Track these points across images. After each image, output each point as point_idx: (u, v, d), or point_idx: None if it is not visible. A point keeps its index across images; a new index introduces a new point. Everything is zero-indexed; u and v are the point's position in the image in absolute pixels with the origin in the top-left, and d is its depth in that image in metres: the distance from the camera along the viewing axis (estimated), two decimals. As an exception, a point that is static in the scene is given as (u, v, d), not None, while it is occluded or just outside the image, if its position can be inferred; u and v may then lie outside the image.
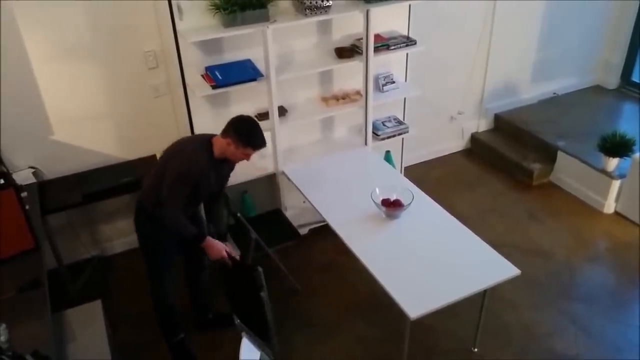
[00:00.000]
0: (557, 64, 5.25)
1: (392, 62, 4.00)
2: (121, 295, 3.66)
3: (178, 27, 3.16)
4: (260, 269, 2.60)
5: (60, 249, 3.56)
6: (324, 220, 3.21)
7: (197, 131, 3.50)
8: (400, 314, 2.56)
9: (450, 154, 5.19)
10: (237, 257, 2.91)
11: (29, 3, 3.09)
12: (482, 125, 5.23)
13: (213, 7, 3.17)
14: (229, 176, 2.96)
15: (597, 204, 4.36)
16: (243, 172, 3.71)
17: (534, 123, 4.98)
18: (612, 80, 5.55)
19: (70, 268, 3.71)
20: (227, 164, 2.84)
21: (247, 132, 2.66)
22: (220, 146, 2.68)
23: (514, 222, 4.27)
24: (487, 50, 4.77)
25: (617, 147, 4.13)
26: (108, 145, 3.67)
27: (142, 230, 2.89)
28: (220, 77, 3.31)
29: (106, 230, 3.94)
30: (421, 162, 5.01)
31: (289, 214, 3.90)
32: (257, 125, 2.72)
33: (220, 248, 2.81)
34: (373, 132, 3.99)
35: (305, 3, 3.27)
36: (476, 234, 3.00)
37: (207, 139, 2.73)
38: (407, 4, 3.74)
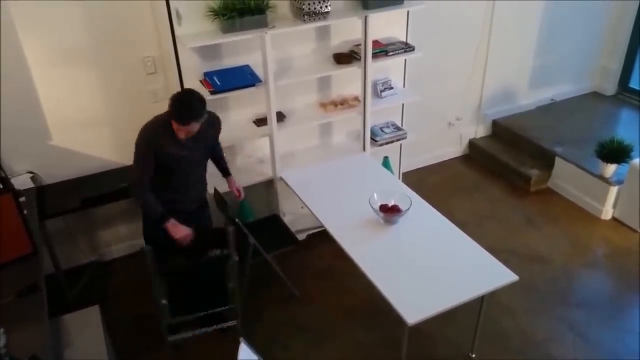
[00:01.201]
0: (554, 70, 5.27)
1: (390, 68, 4.02)
2: (119, 301, 3.65)
3: (177, 33, 3.17)
4: (231, 228, 2.81)
5: (58, 254, 3.56)
6: (322, 226, 3.21)
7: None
8: (398, 319, 2.55)
9: (448, 159, 5.20)
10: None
11: (27, 9, 3.09)
12: (480, 131, 5.24)
13: (212, 13, 3.18)
14: (212, 144, 3.05)
15: (595, 210, 4.36)
16: (241, 177, 3.73)
17: (532, 129, 5.00)
18: (610, 87, 5.57)
19: (68, 273, 3.71)
20: (208, 132, 2.92)
21: (174, 105, 2.67)
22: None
23: (511, 228, 4.28)
24: (485, 56, 4.79)
25: (615, 153, 4.14)
26: (106, 151, 3.67)
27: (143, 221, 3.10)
28: (218, 83, 3.32)
29: (104, 235, 3.94)
30: (419, 168, 5.02)
31: (287, 219, 3.90)
32: (187, 100, 2.67)
33: (183, 229, 2.89)
34: (371, 138, 4.00)
35: (303, 9, 3.28)
36: (474, 239, 3.00)
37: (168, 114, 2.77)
38: (405, 10, 3.75)
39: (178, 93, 2.73)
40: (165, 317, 2.97)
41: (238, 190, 3.34)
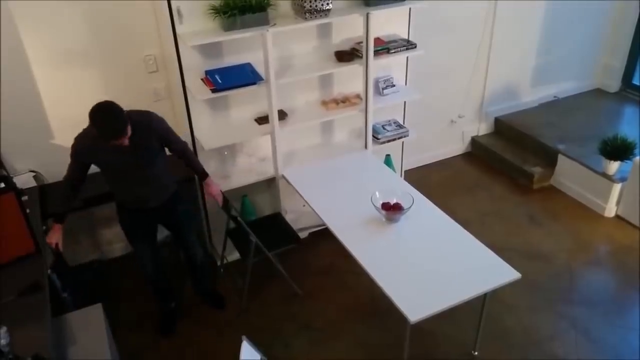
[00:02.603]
0: (557, 68, 5.26)
1: (392, 65, 4.01)
2: (121, 299, 3.66)
3: (178, 31, 3.17)
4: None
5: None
6: (324, 224, 3.20)
7: (197, 134, 3.51)
8: (400, 317, 2.55)
9: (451, 157, 5.19)
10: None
11: (29, 8, 3.10)
12: (482, 128, 5.23)
13: (213, 11, 3.17)
14: (156, 145, 2.90)
15: (598, 207, 4.35)
16: (243, 176, 3.73)
17: (535, 126, 4.98)
18: (613, 84, 5.55)
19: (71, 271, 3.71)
20: (145, 136, 2.80)
21: (97, 127, 2.59)
22: None
23: (514, 225, 4.27)
24: (488, 53, 4.78)
25: (618, 150, 4.13)
26: (109, 149, 3.67)
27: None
28: (220, 81, 3.32)
29: (106, 234, 3.95)
30: (421, 166, 5.01)
31: (289, 217, 3.90)
32: (106, 117, 2.57)
33: (51, 236, 2.93)
34: (373, 136, 4.00)
35: (305, 6, 3.27)
36: (476, 237, 3.00)
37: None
38: (407, 7, 3.75)
39: (94, 111, 2.58)
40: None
41: (216, 197, 3.27)
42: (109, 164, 2.82)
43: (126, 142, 2.66)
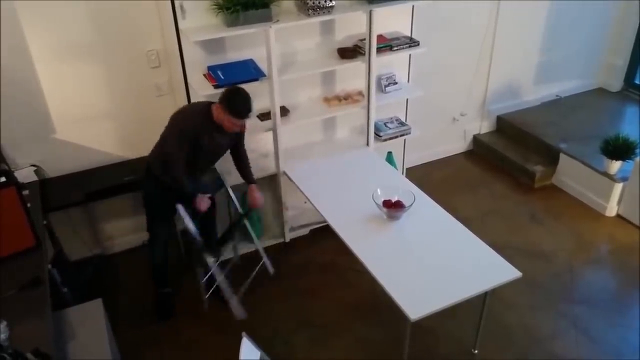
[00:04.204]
0: (560, 66, 5.25)
1: (394, 63, 4.00)
2: (122, 294, 3.67)
3: (180, 27, 3.17)
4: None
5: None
6: (325, 221, 3.20)
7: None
8: (400, 315, 2.55)
9: (452, 155, 5.19)
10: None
11: (31, 4, 3.09)
12: (484, 127, 5.22)
13: (216, 7, 3.17)
14: (237, 143, 3.22)
15: (600, 206, 4.35)
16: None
17: (537, 125, 4.97)
18: (615, 83, 5.54)
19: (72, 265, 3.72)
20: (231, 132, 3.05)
21: (233, 100, 2.84)
22: (216, 112, 2.91)
23: (515, 224, 4.26)
24: (490, 51, 4.77)
25: (620, 150, 4.12)
26: (110, 144, 3.67)
27: (146, 188, 3.23)
28: (222, 77, 3.31)
29: (108, 228, 3.95)
30: (423, 164, 5.01)
31: (290, 214, 3.91)
32: (245, 97, 2.86)
33: (207, 202, 3.12)
34: (375, 133, 3.99)
35: (308, 3, 3.26)
36: (477, 235, 2.99)
37: (208, 103, 2.98)
38: (410, 4, 3.74)
39: (234, 89, 2.88)
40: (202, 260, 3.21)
41: (256, 203, 3.37)
42: (203, 146, 2.97)
43: (235, 129, 2.94)
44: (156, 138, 3.12)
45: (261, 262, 3.44)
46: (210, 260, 3.14)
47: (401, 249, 2.94)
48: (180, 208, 3.08)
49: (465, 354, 3.21)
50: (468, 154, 5.23)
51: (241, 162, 3.31)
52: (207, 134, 2.95)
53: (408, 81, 4.15)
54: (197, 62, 3.36)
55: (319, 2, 3.28)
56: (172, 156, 2.96)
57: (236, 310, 3.20)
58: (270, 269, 3.45)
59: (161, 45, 3.51)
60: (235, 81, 3.31)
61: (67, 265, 3.69)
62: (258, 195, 3.35)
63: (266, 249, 3.99)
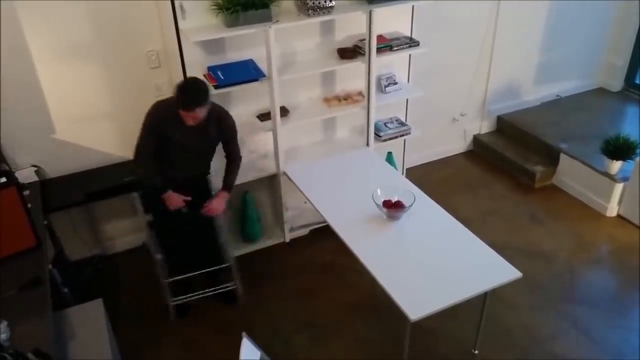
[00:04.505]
0: (560, 66, 5.24)
1: (394, 63, 4.00)
2: (122, 294, 3.67)
3: (181, 27, 3.17)
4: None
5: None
6: (325, 221, 3.20)
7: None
8: (400, 315, 2.55)
9: (453, 155, 5.19)
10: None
11: (31, 3, 3.09)
12: (484, 127, 5.22)
13: (216, 7, 3.17)
14: (218, 139, 3.10)
15: (600, 207, 4.35)
16: (245, 172, 3.72)
17: (537, 125, 4.97)
18: (616, 83, 5.53)
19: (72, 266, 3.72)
20: (213, 125, 3.00)
21: (179, 92, 2.79)
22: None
23: (515, 224, 4.26)
24: (490, 51, 4.77)
25: (621, 150, 4.12)
26: (110, 145, 3.68)
27: (143, 188, 3.19)
28: (222, 77, 3.31)
29: (108, 229, 3.95)
30: (423, 164, 5.01)
31: (290, 214, 3.91)
32: (191, 87, 2.80)
33: (177, 200, 3.07)
34: (375, 133, 3.99)
35: (308, 3, 3.27)
36: (478, 236, 2.99)
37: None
38: (410, 4, 3.74)
39: (183, 81, 2.86)
40: (164, 274, 3.21)
41: (210, 209, 3.16)
42: (173, 141, 2.95)
43: (202, 115, 2.82)
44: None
45: (232, 283, 3.46)
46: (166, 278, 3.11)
47: (401, 249, 2.94)
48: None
49: (465, 354, 3.21)
50: (468, 154, 5.23)
51: (227, 165, 3.21)
52: (176, 128, 2.90)
53: (408, 81, 4.15)
54: (197, 62, 3.37)
55: (319, 2, 3.28)
56: (138, 148, 2.99)
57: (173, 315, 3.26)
58: (240, 292, 3.47)
59: (161, 46, 3.52)
60: (235, 81, 3.32)
61: (68, 265, 3.69)
62: (215, 204, 3.15)
63: (266, 249, 4.02)
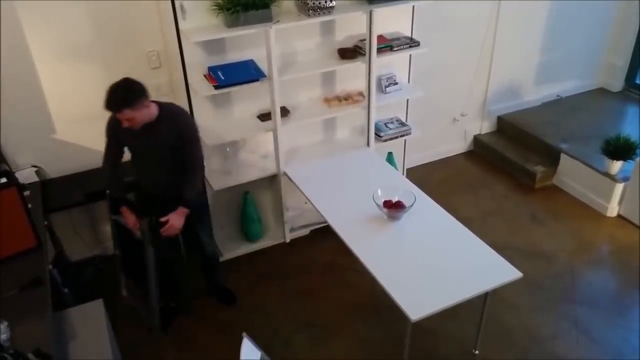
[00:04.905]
0: (560, 66, 5.24)
1: (395, 63, 4.00)
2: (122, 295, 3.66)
3: (181, 27, 3.17)
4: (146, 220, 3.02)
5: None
6: (326, 221, 3.20)
7: (200, 131, 3.50)
8: (401, 315, 2.55)
9: (453, 155, 5.19)
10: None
11: (32, 3, 3.09)
12: (484, 127, 5.22)
13: (216, 7, 3.17)
14: (171, 142, 2.87)
15: (600, 207, 4.34)
16: (245, 172, 3.73)
17: (537, 125, 4.97)
18: (616, 83, 5.53)
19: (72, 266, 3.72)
20: (165, 127, 2.85)
21: (105, 95, 2.68)
22: None
23: (516, 224, 4.26)
24: (491, 52, 4.77)
25: (621, 150, 4.12)
26: (111, 145, 3.68)
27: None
28: (222, 77, 3.31)
29: (108, 229, 3.94)
30: (423, 164, 5.00)
31: (290, 214, 3.90)
32: (113, 89, 2.68)
33: (131, 219, 3.03)
34: (375, 134, 3.99)
35: (308, 4, 3.27)
36: (478, 236, 2.99)
37: None
38: (410, 5, 3.74)
39: (114, 82, 2.71)
40: (120, 269, 3.14)
41: (165, 228, 2.96)
42: (127, 144, 2.95)
43: (131, 117, 2.70)
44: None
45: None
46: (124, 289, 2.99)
47: (401, 249, 2.93)
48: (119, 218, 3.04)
49: (466, 354, 3.21)
50: (468, 155, 5.23)
51: (185, 173, 2.95)
52: (128, 132, 2.81)
53: (408, 81, 4.15)
54: (198, 62, 3.37)
55: (319, 3, 3.28)
56: (104, 155, 3.00)
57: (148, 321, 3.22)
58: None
59: (162, 46, 3.52)
60: (235, 82, 3.32)
61: (68, 265, 3.69)
62: (172, 221, 2.94)
63: (267, 250, 4.02)
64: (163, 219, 2.96)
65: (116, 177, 3.04)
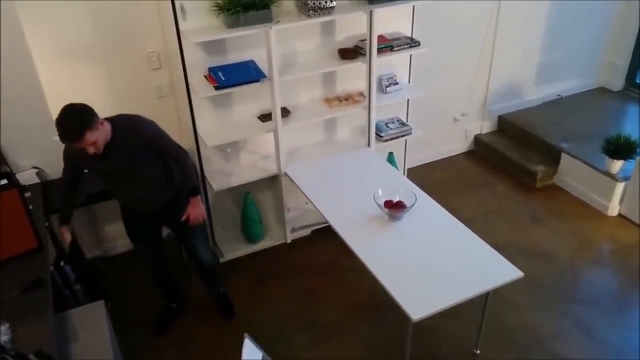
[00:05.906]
0: (561, 66, 5.24)
1: (395, 63, 4.00)
2: (124, 296, 3.67)
3: (181, 28, 3.17)
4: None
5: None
6: (327, 222, 3.20)
7: (200, 131, 3.51)
8: (402, 315, 2.55)
9: (454, 155, 5.19)
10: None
11: (32, 3, 3.10)
12: (485, 126, 5.22)
13: (216, 8, 3.17)
14: (142, 150, 2.75)
15: (601, 206, 4.34)
16: (246, 173, 3.73)
17: (538, 125, 4.97)
18: (617, 82, 5.53)
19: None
20: (126, 141, 2.69)
21: (57, 128, 2.49)
22: None
23: (517, 224, 4.26)
24: (491, 51, 4.77)
25: (622, 149, 4.11)
26: (111, 146, 3.67)
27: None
28: (223, 78, 3.31)
29: (109, 230, 3.95)
30: (424, 164, 5.00)
31: (291, 215, 3.91)
32: (59, 119, 2.48)
33: (66, 236, 3.01)
34: (376, 134, 3.99)
35: (308, 4, 3.27)
36: (479, 236, 2.99)
37: None
38: (410, 5, 3.74)
39: (60, 111, 2.51)
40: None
41: (188, 216, 2.98)
42: (92, 170, 2.83)
43: (91, 149, 2.55)
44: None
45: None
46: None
47: (402, 249, 2.93)
48: None
49: (467, 354, 3.21)
50: (469, 154, 5.22)
51: (179, 168, 2.92)
52: (86, 159, 2.66)
53: (409, 81, 4.15)
54: (198, 63, 3.37)
55: (320, 3, 3.28)
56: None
57: None
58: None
59: (162, 47, 3.52)
60: (236, 82, 3.32)
61: (82, 261, 3.65)
62: (193, 212, 2.97)
63: (268, 250, 4.03)
64: (183, 218, 2.98)
65: (64, 197, 2.97)
